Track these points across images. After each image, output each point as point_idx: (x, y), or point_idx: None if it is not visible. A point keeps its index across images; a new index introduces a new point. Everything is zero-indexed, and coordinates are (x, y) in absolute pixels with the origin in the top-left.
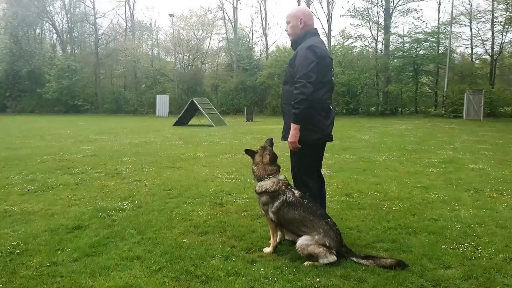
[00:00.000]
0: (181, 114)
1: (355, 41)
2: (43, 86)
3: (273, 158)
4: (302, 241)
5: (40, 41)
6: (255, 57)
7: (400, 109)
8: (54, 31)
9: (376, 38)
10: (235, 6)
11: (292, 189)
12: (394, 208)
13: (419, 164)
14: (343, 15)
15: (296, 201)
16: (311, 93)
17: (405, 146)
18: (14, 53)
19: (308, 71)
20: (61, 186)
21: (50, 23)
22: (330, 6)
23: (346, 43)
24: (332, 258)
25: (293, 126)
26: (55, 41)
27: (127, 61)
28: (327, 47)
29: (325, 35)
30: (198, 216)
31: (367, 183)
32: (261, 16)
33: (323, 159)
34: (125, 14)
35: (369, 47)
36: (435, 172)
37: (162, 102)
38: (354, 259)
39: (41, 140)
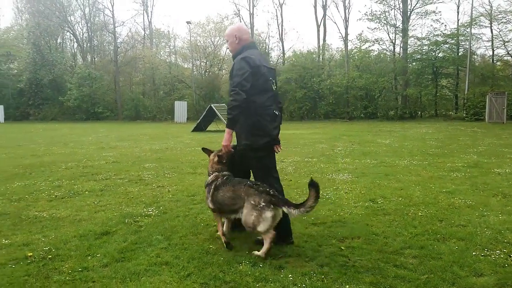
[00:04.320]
0: (199, 120)
1: (372, 45)
2: (64, 94)
3: (221, 158)
4: (244, 212)
5: (62, 50)
6: (271, 62)
7: (419, 112)
8: (74, 40)
9: (393, 41)
10: (251, 12)
11: (225, 177)
12: (420, 213)
13: (442, 168)
14: (360, 19)
15: (221, 183)
16: (244, 101)
17: (427, 150)
18: (37, 62)
19: (242, 80)
20: (86, 192)
21: (71, 32)
22: (347, 10)
23: (363, 47)
24: (266, 224)
25: (226, 130)
26: (75, 50)
27: (145, 68)
28: (263, 56)
29: (342, 39)
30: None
31: (391, 188)
32: (277, 22)
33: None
34: (143, 22)
35: (386, 50)
36: (460, 177)
37: (180, 108)
38: (284, 208)
39: (64, 147)
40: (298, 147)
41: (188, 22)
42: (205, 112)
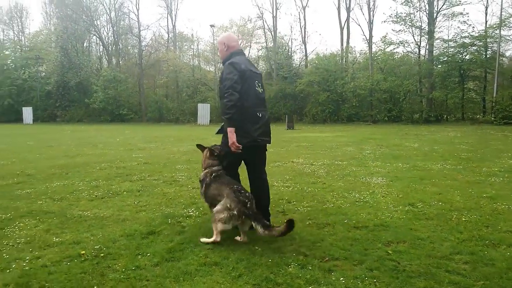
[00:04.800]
0: (224, 122)
1: (397, 47)
2: (90, 96)
3: (212, 152)
4: (217, 207)
5: (88, 54)
6: (294, 65)
7: (445, 116)
8: (100, 43)
9: (419, 43)
10: (274, 15)
11: (214, 173)
12: (463, 219)
13: (478, 173)
14: (384, 21)
15: (211, 180)
16: (238, 99)
17: (459, 155)
18: (64, 65)
19: (233, 82)
20: (125, 192)
21: (97, 36)
22: (372, 13)
23: (387, 49)
24: (226, 226)
25: (229, 130)
26: (101, 53)
27: (169, 71)
28: (249, 62)
29: (366, 41)
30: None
31: (428, 192)
32: (300, 24)
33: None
34: (167, 25)
35: (411, 52)
36: (499, 182)
37: (204, 111)
38: (254, 224)
39: (94, 148)
40: (326, 150)
41: (211, 26)
42: None
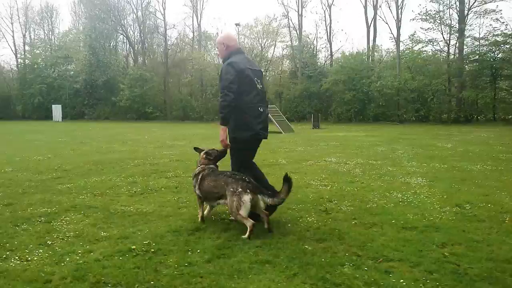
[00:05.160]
0: None
1: (426, 46)
2: (117, 95)
3: (208, 155)
4: (228, 200)
5: (115, 52)
6: (319, 63)
7: (475, 116)
8: (127, 42)
9: (448, 42)
10: (300, 13)
11: (210, 169)
12: None
13: None
14: (413, 19)
15: (206, 174)
16: (232, 100)
17: (497, 156)
18: (92, 64)
19: (228, 83)
20: (163, 189)
21: (124, 35)
22: (400, 10)
23: (415, 48)
24: (245, 208)
25: (220, 127)
26: (127, 52)
27: (194, 70)
28: (248, 60)
29: (394, 40)
30: (308, 223)
31: (474, 193)
32: (325, 23)
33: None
34: (193, 25)
35: (440, 51)
36: None
37: None
38: (259, 196)
39: (124, 145)
40: (357, 149)
41: (237, 24)
42: None
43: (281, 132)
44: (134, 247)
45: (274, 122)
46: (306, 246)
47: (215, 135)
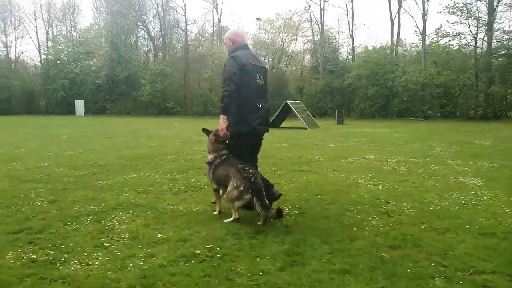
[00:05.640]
0: (274, 116)
1: (452, 40)
2: (138, 90)
3: (218, 137)
4: (228, 189)
5: (136, 48)
6: (341, 58)
7: (504, 112)
8: (148, 38)
9: (475, 35)
10: (322, 7)
11: (223, 156)
12: None
13: None
14: (440, 12)
15: (219, 163)
16: (233, 91)
17: None
18: (114, 59)
19: (231, 75)
20: (206, 187)
21: (145, 30)
22: (426, 3)
23: (441, 42)
24: (240, 203)
25: (221, 117)
26: (148, 48)
27: (214, 65)
28: (252, 56)
29: (419, 33)
30: (374, 226)
31: None
32: (347, 17)
33: None
34: (213, 19)
35: (467, 45)
36: None
37: None
38: (254, 200)
39: (150, 140)
40: (390, 146)
41: (258, 19)
42: (280, 109)
43: (306, 128)
44: (198, 252)
45: (299, 117)
46: (384, 255)
47: None
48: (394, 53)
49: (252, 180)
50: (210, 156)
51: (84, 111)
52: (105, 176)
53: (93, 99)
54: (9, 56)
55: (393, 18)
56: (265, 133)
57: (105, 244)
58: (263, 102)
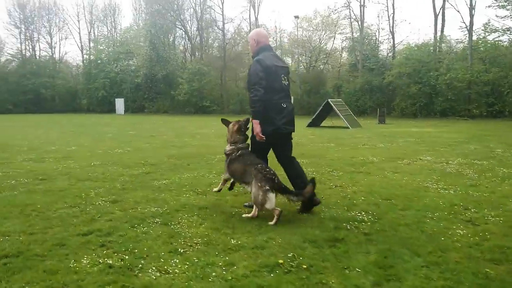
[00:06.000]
0: (315, 115)
1: (502, 35)
2: (175, 89)
3: (240, 128)
4: (253, 191)
5: (174, 47)
6: (381, 56)
7: None
8: (185, 37)
9: None
10: (362, 3)
11: (240, 151)
12: None
13: None
14: (489, 6)
15: (236, 157)
16: (263, 95)
17: None
18: (153, 59)
19: (258, 79)
20: None
21: (183, 30)
22: None
23: (489, 38)
24: (268, 204)
25: (254, 121)
26: (186, 47)
27: (251, 63)
28: (276, 57)
29: (466, 29)
30: (461, 236)
31: None
32: (388, 13)
33: None
34: (249, 18)
35: None
36: None
37: None
38: (285, 195)
39: (194, 139)
40: (444, 147)
41: (296, 17)
42: (321, 107)
43: (348, 127)
44: (281, 261)
45: (341, 116)
46: (487, 270)
47: None
48: (437, 49)
49: (276, 181)
50: (228, 148)
51: (124, 109)
52: (159, 175)
53: (132, 98)
54: (54, 56)
55: (437, 13)
56: (292, 133)
57: (179, 249)
58: (288, 102)
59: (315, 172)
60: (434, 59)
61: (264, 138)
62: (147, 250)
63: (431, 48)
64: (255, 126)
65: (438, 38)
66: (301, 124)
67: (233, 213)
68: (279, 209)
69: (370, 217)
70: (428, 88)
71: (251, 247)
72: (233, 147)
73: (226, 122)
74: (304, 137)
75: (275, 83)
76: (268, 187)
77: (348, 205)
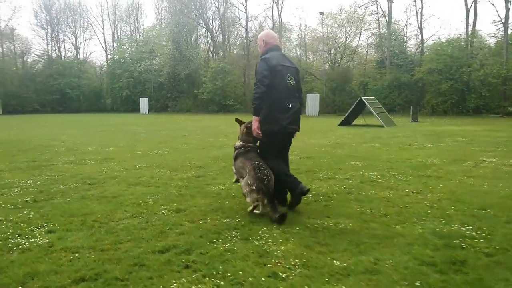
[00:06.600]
0: (348, 113)
1: None
2: (198, 87)
3: (249, 130)
4: (242, 184)
5: (196, 46)
6: (409, 52)
7: None
8: (208, 36)
9: None
10: None
11: (245, 147)
12: None
13: None
14: None
15: (239, 153)
16: (264, 92)
17: None
18: (176, 57)
19: (262, 77)
20: (335, 195)
21: (206, 28)
22: None
23: None
24: (251, 199)
25: (253, 118)
26: (208, 45)
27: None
28: (283, 57)
29: (501, 22)
30: None
31: None
32: (416, 8)
33: None
34: (273, 16)
35: None
36: None
37: (313, 101)
38: (266, 201)
39: (228, 139)
40: (500, 147)
41: (321, 13)
42: (354, 105)
43: (383, 126)
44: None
45: (375, 114)
46: None
47: (311, 129)
48: (469, 45)
49: (265, 182)
50: (238, 143)
51: (148, 108)
52: (211, 179)
53: (155, 97)
54: (78, 57)
55: (469, 7)
56: (297, 132)
57: (278, 273)
58: (294, 102)
59: (379, 176)
60: (466, 54)
61: (261, 135)
62: (242, 275)
63: (463, 43)
64: (254, 122)
65: (470, 32)
66: (330, 122)
67: (315, 225)
68: (250, 208)
69: (478, 231)
70: (460, 85)
71: (361, 271)
72: (242, 143)
73: (239, 122)
74: (342, 137)
75: (280, 83)
76: (254, 187)
77: (442, 217)
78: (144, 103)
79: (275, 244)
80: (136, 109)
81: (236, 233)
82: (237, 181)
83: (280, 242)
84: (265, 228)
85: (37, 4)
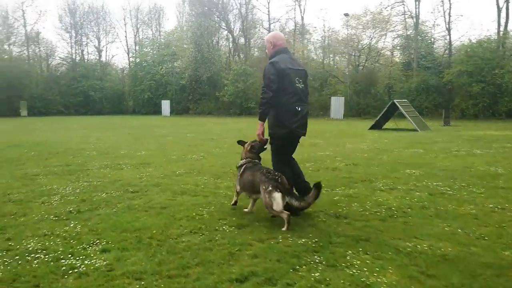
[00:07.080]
0: (379, 116)
1: None
2: (220, 90)
3: (253, 148)
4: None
5: (218, 48)
6: (435, 54)
7: None
8: (231, 38)
9: None
10: None
11: (252, 162)
12: None
13: None
14: None
15: (246, 167)
16: (271, 97)
17: None
18: (198, 60)
19: (269, 82)
20: (409, 209)
21: (227, 30)
22: None
23: None
24: (278, 205)
25: (258, 122)
26: (230, 48)
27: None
28: (292, 60)
29: None
30: None
31: None
32: (443, 9)
33: None
34: (295, 17)
35: None
36: None
37: (337, 104)
38: (288, 198)
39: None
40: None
41: (345, 14)
42: (386, 108)
43: (417, 130)
44: None
45: (408, 118)
46: None
47: (340, 133)
48: (501, 46)
49: (279, 180)
50: (242, 161)
51: (169, 111)
52: None
53: (176, 99)
54: (101, 60)
55: (501, 7)
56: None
57: None
58: (302, 106)
59: (448, 188)
60: (498, 56)
61: (263, 139)
62: None
63: (494, 44)
64: (258, 127)
65: (502, 33)
66: (358, 126)
67: (409, 249)
68: (287, 212)
69: None
70: (492, 87)
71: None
72: (247, 160)
73: (242, 143)
74: (378, 142)
75: (288, 86)
76: (271, 188)
77: None
78: (166, 105)
79: (373, 274)
80: (157, 111)
81: (318, 258)
82: (235, 203)
83: (377, 271)
84: (349, 252)
85: (62, 8)
